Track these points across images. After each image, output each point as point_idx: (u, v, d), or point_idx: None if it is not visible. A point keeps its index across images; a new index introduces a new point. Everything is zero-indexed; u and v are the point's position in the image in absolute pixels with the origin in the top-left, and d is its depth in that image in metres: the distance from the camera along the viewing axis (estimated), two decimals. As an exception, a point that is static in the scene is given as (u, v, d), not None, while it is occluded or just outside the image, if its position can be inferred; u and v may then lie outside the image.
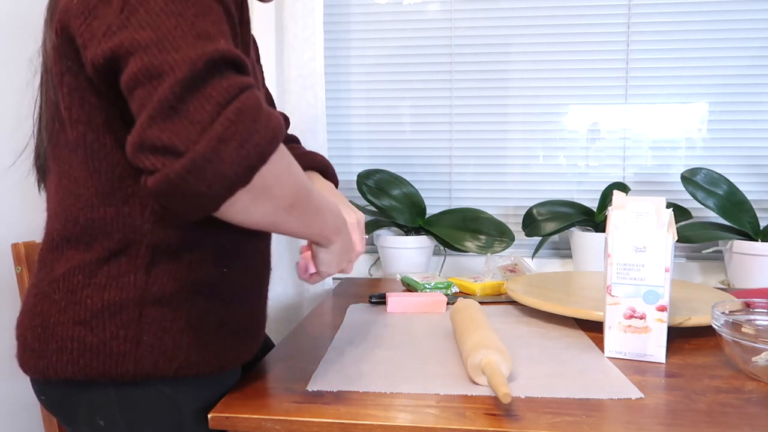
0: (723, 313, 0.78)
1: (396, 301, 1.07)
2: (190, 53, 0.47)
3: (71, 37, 0.59)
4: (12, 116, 1.16)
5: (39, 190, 0.75)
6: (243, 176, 0.47)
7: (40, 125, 0.70)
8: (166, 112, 0.45)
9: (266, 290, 0.78)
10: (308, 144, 1.46)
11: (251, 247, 0.73)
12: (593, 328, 0.94)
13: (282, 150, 0.53)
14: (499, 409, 0.63)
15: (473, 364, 0.69)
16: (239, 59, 0.50)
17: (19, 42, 1.17)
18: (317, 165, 0.96)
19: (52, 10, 0.63)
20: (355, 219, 0.81)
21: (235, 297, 0.70)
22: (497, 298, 1.17)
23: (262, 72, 0.94)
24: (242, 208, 0.51)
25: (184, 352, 0.64)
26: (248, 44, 0.64)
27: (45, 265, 0.66)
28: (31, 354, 0.64)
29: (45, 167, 0.71)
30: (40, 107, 0.69)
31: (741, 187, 1.39)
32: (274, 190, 0.52)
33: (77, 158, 0.63)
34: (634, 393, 0.67)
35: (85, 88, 0.61)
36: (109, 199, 0.62)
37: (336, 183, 0.99)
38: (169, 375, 0.64)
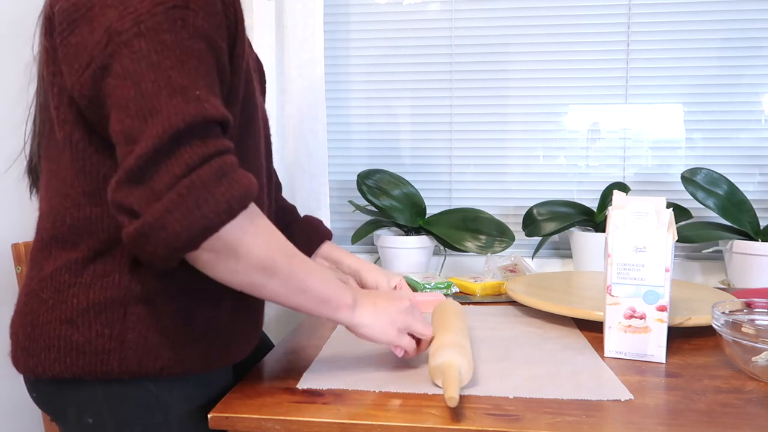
0: (723, 313, 0.78)
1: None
2: (159, 124, 0.52)
3: (55, 43, 0.61)
4: (8, 121, 1.16)
5: (30, 194, 0.75)
6: (187, 244, 0.53)
7: (34, 128, 0.71)
8: (130, 179, 0.52)
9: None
10: (308, 144, 1.46)
11: None
12: (593, 328, 0.94)
13: (249, 214, 0.57)
14: (499, 409, 0.63)
15: (434, 365, 0.67)
16: (209, 117, 0.54)
17: (15, 49, 1.17)
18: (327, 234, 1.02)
19: (43, 14, 0.65)
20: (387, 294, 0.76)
21: (222, 298, 0.69)
22: (497, 298, 1.17)
23: (261, 72, 0.94)
24: (206, 265, 0.58)
25: (168, 351, 0.64)
26: (243, 54, 0.65)
27: (35, 264, 0.67)
28: (23, 352, 0.65)
29: (38, 170, 0.72)
30: (35, 111, 0.70)
31: (741, 187, 1.39)
32: (239, 250, 0.57)
33: (65, 158, 0.64)
34: (624, 394, 0.67)
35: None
36: (95, 198, 0.63)
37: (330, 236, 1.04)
38: (153, 373, 0.64)
